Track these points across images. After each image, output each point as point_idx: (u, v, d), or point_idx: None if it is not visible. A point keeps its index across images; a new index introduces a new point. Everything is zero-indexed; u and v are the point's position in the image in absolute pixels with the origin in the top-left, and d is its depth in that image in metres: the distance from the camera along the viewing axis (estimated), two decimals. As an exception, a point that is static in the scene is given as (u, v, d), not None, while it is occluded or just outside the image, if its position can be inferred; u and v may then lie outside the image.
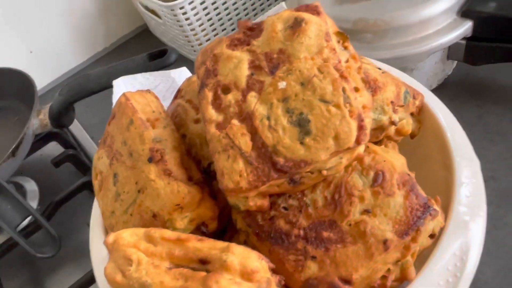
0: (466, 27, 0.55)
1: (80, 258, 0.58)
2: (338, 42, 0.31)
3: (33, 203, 0.67)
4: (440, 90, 0.63)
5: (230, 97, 0.31)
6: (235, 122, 0.31)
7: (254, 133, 0.30)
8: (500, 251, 0.47)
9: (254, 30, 0.32)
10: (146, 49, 0.62)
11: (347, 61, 0.30)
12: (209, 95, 0.32)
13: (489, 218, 0.49)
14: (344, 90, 0.28)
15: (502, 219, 0.49)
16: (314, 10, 0.30)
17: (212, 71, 0.32)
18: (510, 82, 0.61)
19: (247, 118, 0.30)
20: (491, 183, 0.52)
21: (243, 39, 0.32)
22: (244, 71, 0.31)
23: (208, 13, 0.77)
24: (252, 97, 0.30)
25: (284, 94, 0.29)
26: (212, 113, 0.32)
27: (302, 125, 0.29)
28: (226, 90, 0.32)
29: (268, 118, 0.29)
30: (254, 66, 0.31)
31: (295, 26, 0.30)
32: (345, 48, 0.31)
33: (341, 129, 0.28)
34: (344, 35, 0.31)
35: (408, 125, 0.36)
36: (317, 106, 0.28)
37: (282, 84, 0.29)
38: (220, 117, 0.31)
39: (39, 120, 0.63)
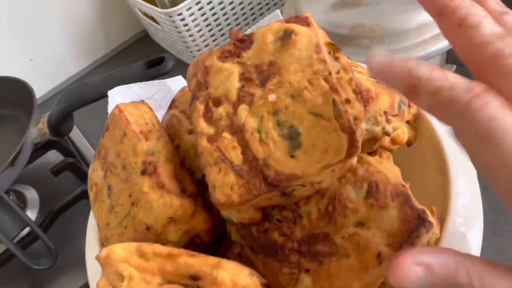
0: (464, 31, 0.54)
1: (79, 267, 0.58)
2: (329, 53, 0.30)
3: (34, 212, 0.67)
4: (440, 94, 0.62)
5: (221, 110, 0.31)
6: (226, 135, 0.30)
7: (245, 146, 0.30)
8: (500, 258, 0.47)
9: (245, 42, 0.31)
10: (146, 54, 0.62)
11: (338, 72, 0.30)
12: (201, 107, 0.32)
13: (490, 225, 0.49)
14: (334, 102, 0.28)
15: (503, 226, 0.49)
16: (304, 22, 0.30)
17: (203, 83, 0.32)
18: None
19: (238, 131, 0.30)
20: (492, 190, 0.52)
21: (234, 51, 0.31)
22: (235, 84, 0.31)
23: (206, 19, 0.77)
24: (243, 109, 0.30)
25: (274, 107, 0.29)
26: (203, 126, 0.32)
27: (292, 138, 0.28)
28: (217, 102, 0.31)
29: (259, 131, 0.29)
30: (245, 79, 0.31)
31: (285, 38, 0.29)
32: (336, 59, 0.30)
33: (332, 142, 0.27)
34: (335, 46, 0.31)
35: (404, 133, 0.36)
36: (308, 119, 0.28)
37: (272, 97, 0.29)
38: (211, 130, 0.31)
39: (38, 129, 0.63)
